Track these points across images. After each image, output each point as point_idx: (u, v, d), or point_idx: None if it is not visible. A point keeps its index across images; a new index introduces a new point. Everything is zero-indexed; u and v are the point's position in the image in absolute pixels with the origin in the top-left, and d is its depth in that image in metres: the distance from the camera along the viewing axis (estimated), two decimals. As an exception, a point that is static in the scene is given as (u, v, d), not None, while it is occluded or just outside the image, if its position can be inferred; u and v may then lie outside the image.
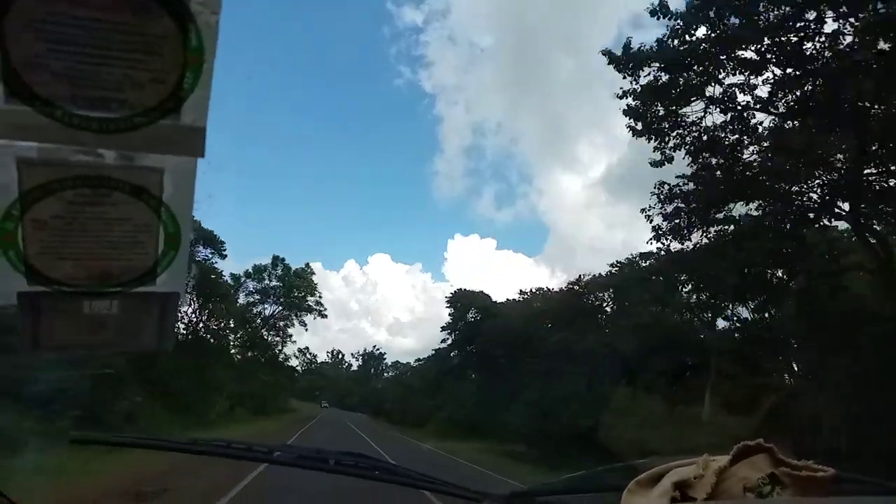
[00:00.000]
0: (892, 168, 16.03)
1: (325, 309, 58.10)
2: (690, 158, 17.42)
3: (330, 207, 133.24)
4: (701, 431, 18.02)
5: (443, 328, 49.89)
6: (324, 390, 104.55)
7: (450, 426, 40.12)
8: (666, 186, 18.41)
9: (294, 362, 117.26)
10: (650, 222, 18.83)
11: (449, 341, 49.79)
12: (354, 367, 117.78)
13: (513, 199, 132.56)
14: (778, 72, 15.10)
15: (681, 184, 18.26)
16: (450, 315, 48.46)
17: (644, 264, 31.61)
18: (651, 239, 19.15)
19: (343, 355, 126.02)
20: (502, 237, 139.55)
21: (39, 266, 0.76)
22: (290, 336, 61.39)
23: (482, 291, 48.69)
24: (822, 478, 1.11)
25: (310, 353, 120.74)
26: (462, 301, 47.68)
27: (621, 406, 22.70)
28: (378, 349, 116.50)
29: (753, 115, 16.36)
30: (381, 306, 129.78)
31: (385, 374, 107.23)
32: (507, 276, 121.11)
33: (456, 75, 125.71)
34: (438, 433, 38.51)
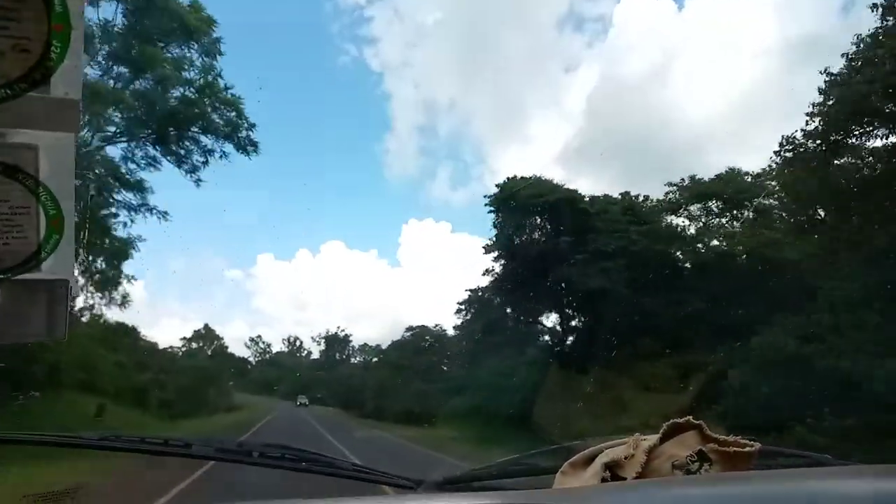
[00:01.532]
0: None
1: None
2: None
3: (278, 195, 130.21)
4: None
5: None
6: (280, 382, 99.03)
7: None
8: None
9: (246, 353, 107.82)
10: None
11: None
12: (315, 356, 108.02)
13: (468, 180, 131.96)
14: None
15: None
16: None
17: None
18: None
19: (301, 342, 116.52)
20: (458, 220, 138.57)
21: None
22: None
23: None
24: (748, 452, 1.17)
25: (263, 342, 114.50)
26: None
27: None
28: (343, 330, 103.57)
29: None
30: (337, 295, 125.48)
31: (352, 360, 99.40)
32: (464, 260, 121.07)
33: (404, 52, 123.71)
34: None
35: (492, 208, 34.88)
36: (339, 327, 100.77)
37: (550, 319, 36.62)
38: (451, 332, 51.50)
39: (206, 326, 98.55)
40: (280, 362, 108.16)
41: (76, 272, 0.84)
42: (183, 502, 8.95)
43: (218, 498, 8.74)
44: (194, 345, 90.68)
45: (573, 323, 35.32)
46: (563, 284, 31.64)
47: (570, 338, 35.66)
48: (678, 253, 32.77)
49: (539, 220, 34.56)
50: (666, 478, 1.16)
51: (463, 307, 40.46)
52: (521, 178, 35.05)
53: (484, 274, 36.89)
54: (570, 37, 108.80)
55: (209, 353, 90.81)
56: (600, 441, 1.40)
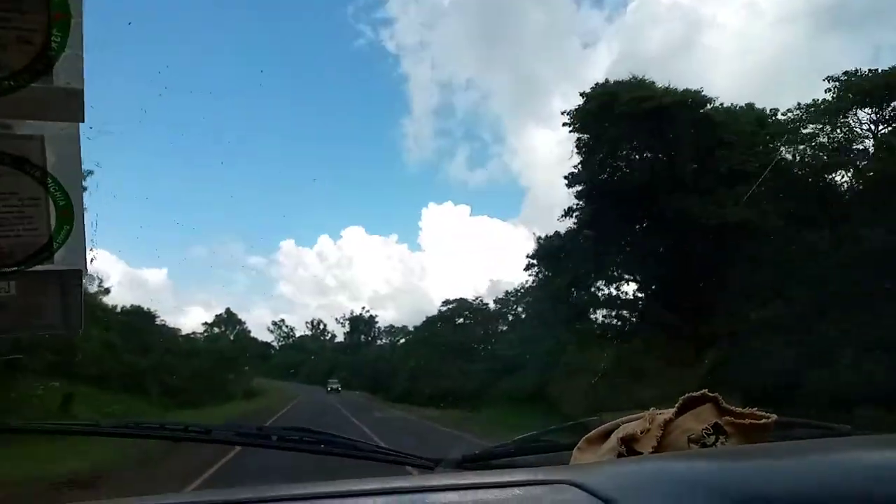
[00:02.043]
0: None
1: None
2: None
3: (299, 182, 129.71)
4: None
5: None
6: (303, 365, 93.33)
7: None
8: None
9: (269, 338, 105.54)
10: None
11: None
12: (339, 339, 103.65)
13: (486, 160, 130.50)
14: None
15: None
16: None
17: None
18: None
19: (325, 325, 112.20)
20: (477, 202, 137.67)
21: None
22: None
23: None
24: (764, 424, 1.16)
25: (286, 326, 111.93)
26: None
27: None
28: (367, 311, 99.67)
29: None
30: (358, 280, 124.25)
31: (378, 341, 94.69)
32: (484, 243, 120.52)
33: (420, 32, 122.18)
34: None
35: (574, 126, 26.52)
36: (364, 308, 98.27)
37: (655, 269, 26.98)
38: (492, 304, 50.45)
39: (228, 311, 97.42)
40: (304, 346, 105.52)
41: (88, 261, 0.84)
42: (204, 486, 9.05)
43: (235, 482, 8.86)
44: (216, 329, 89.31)
45: (691, 269, 24.96)
46: (679, 220, 23.16)
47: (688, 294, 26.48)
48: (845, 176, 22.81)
49: (643, 136, 25.44)
50: (681, 451, 1.16)
51: (532, 268, 33.63)
52: (616, 81, 26.04)
53: (565, 216, 28.65)
54: (589, 11, 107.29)
55: (231, 337, 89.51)
56: (616, 416, 1.39)
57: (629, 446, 1.22)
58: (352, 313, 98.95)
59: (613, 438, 1.27)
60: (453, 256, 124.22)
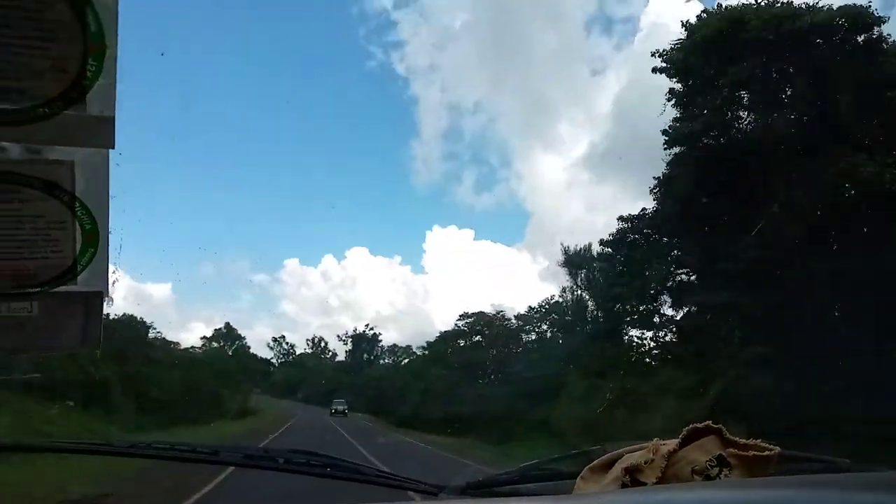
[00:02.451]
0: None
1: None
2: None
3: (305, 201, 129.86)
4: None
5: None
6: (303, 384, 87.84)
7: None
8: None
9: (269, 354, 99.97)
10: None
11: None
12: (341, 357, 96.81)
13: (493, 183, 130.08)
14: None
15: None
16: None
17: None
18: None
19: (326, 343, 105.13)
20: (481, 226, 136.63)
21: None
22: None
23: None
24: (767, 457, 1.15)
25: (286, 343, 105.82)
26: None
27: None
28: (371, 329, 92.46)
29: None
30: (361, 301, 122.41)
31: (382, 360, 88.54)
32: (486, 267, 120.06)
33: (430, 55, 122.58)
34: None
35: (670, 68, 19.82)
36: (367, 325, 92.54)
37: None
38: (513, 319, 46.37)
39: (228, 325, 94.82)
40: (304, 364, 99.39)
41: (110, 284, 0.85)
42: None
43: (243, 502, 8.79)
44: (215, 344, 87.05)
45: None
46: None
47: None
48: None
49: (781, 73, 18.07)
50: (686, 483, 1.15)
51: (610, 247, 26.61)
52: (728, 7, 18.76)
53: (658, 188, 21.66)
54: (598, 39, 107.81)
55: (230, 353, 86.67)
56: (619, 446, 1.39)
57: (633, 477, 1.22)
58: (355, 330, 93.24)
59: (617, 468, 1.26)
60: (456, 280, 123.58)
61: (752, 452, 1.17)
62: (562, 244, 36.86)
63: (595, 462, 1.38)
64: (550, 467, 1.67)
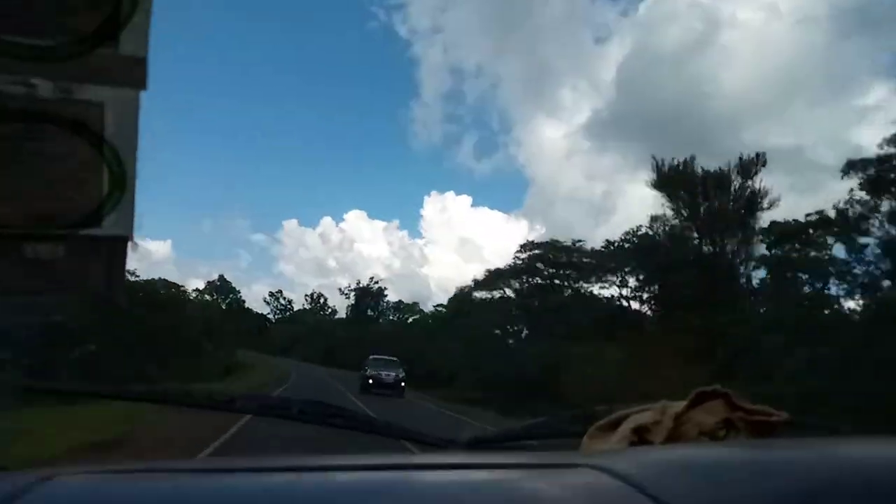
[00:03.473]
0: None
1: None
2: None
3: (304, 162, 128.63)
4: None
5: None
6: (300, 341, 78.33)
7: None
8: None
9: (265, 310, 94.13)
10: None
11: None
12: (341, 315, 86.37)
13: (493, 149, 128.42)
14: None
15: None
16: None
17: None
18: None
19: (325, 299, 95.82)
20: (479, 193, 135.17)
21: None
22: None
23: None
24: (775, 421, 1.14)
25: (283, 298, 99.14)
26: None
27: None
28: (377, 282, 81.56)
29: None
30: (358, 263, 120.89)
31: (388, 317, 79.54)
32: (483, 233, 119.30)
33: (433, 16, 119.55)
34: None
35: None
36: (371, 279, 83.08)
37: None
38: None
39: (222, 278, 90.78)
40: (302, 320, 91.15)
41: (135, 229, 0.83)
42: (225, 452, 9.07)
43: (257, 450, 8.89)
44: (207, 297, 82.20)
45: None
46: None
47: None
48: None
49: None
50: (692, 443, 1.15)
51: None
52: None
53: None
54: (603, 4, 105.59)
55: (223, 307, 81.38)
56: (626, 407, 1.38)
57: (641, 436, 1.21)
58: (358, 284, 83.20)
59: (625, 427, 1.26)
60: (453, 246, 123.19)
61: (758, 417, 1.16)
62: (653, 157, 30.33)
63: (602, 421, 1.37)
64: (557, 425, 1.67)
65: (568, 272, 37.59)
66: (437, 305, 66.25)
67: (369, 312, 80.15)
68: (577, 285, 36.73)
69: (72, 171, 0.73)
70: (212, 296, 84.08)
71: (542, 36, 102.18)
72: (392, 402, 24.29)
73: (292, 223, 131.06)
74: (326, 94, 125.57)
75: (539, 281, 39.14)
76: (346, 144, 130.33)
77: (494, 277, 42.61)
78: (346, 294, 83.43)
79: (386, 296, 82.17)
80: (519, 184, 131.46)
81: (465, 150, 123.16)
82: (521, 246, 40.76)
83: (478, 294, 45.89)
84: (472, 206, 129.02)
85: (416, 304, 78.22)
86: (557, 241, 38.65)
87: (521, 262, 40.19)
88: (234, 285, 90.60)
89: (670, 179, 29.45)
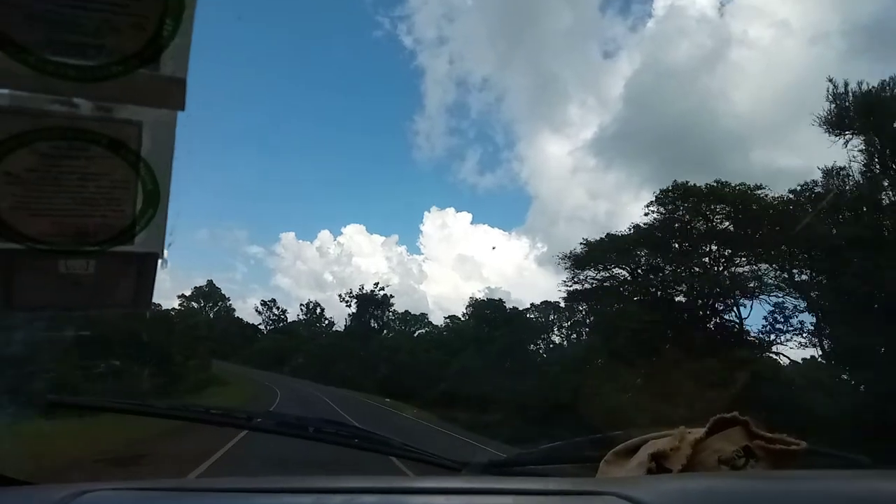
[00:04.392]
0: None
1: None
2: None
3: (304, 174, 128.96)
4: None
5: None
6: (294, 354, 69.23)
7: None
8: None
9: (257, 320, 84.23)
10: None
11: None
12: (339, 327, 76.42)
13: (496, 165, 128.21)
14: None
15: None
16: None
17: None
18: None
19: (322, 310, 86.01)
20: (480, 210, 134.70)
21: (12, 222, 0.74)
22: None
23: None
24: (794, 451, 1.13)
25: (277, 308, 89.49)
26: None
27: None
28: (382, 288, 70.64)
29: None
30: (356, 278, 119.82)
31: (394, 329, 69.39)
32: (483, 251, 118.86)
33: (439, 26, 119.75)
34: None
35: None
36: (376, 285, 71.45)
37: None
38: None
39: (210, 283, 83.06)
40: (296, 332, 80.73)
41: (166, 246, 0.84)
42: (236, 471, 9.05)
43: (268, 469, 8.84)
44: (194, 305, 77.35)
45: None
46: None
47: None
48: None
49: None
50: (711, 472, 1.13)
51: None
52: None
53: None
54: (613, 19, 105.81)
55: (211, 315, 76.33)
56: (644, 432, 1.36)
57: (658, 463, 1.19)
58: (361, 289, 70.66)
59: (643, 453, 1.24)
60: (451, 263, 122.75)
61: (778, 445, 1.14)
62: (829, 80, 21.99)
63: (620, 446, 1.35)
64: (573, 450, 1.65)
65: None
66: (449, 317, 61.33)
67: (372, 323, 69.70)
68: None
69: (107, 189, 0.73)
70: (199, 303, 79.01)
71: (549, 49, 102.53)
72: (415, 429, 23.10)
73: (290, 236, 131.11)
74: (328, 104, 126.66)
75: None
76: (346, 156, 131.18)
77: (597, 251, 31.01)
78: (347, 301, 71.71)
79: (392, 304, 71.07)
80: (521, 201, 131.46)
81: (468, 165, 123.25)
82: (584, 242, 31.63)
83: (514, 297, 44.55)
84: (473, 223, 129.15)
85: (423, 315, 71.23)
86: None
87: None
88: (219, 288, 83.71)
89: (870, 107, 20.04)
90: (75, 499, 0.69)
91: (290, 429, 1.79)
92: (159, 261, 0.90)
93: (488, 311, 47.11)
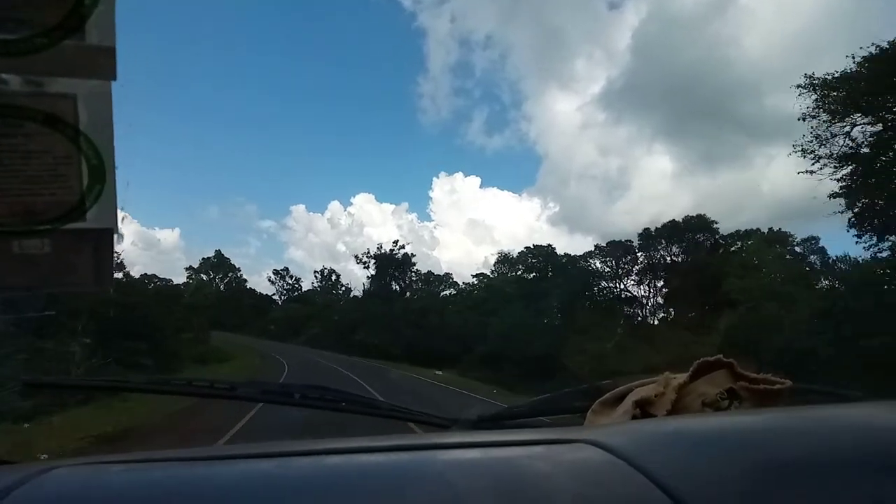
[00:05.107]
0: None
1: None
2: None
3: (311, 145, 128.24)
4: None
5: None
6: (309, 323, 64.90)
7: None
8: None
9: (270, 290, 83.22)
10: None
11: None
12: (357, 292, 70.69)
13: (504, 124, 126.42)
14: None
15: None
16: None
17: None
18: None
19: (338, 276, 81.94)
20: (489, 172, 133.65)
21: None
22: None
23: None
24: (778, 390, 1.15)
25: (290, 276, 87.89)
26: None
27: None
28: (402, 246, 64.26)
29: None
30: (368, 247, 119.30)
31: (417, 289, 64.36)
32: (494, 214, 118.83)
33: None
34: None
35: None
36: (396, 242, 66.05)
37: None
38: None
39: (219, 253, 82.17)
40: (310, 300, 78.12)
41: (119, 221, 0.83)
42: (230, 440, 9.18)
43: (258, 437, 8.99)
44: (203, 276, 77.06)
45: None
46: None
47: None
48: None
49: None
50: (695, 414, 1.15)
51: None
52: None
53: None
54: None
55: (221, 287, 76.27)
56: (629, 381, 1.39)
57: (644, 409, 1.22)
58: (379, 248, 64.64)
59: (628, 401, 1.26)
60: (462, 228, 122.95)
61: (762, 385, 1.17)
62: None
63: (606, 396, 1.38)
64: (561, 401, 1.69)
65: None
66: (477, 275, 56.62)
67: (394, 286, 64.28)
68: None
69: (50, 166, 0.73)
70: (207, 275, 78.44)
71: (553, 2, 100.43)
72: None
73: (300, 208, 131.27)
74: (331, 73, 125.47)
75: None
76: (352, 125, 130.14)
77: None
78: (365, 263, 65.36)
79: (414, 264, 65.16)
80: (531, 161, 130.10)
81: (474, 126, 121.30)
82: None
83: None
84: (482, 186, 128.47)
85: (448, 275, 66.02)
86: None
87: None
88: (228, 258, 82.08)
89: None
90: (44, 473, 0.70)
91: (275, 396, 1.81)
92: (115, 236, 0.89)
93: (535, 261, 44.89)
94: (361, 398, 1.85)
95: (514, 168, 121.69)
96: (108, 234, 0.87)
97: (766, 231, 37.63)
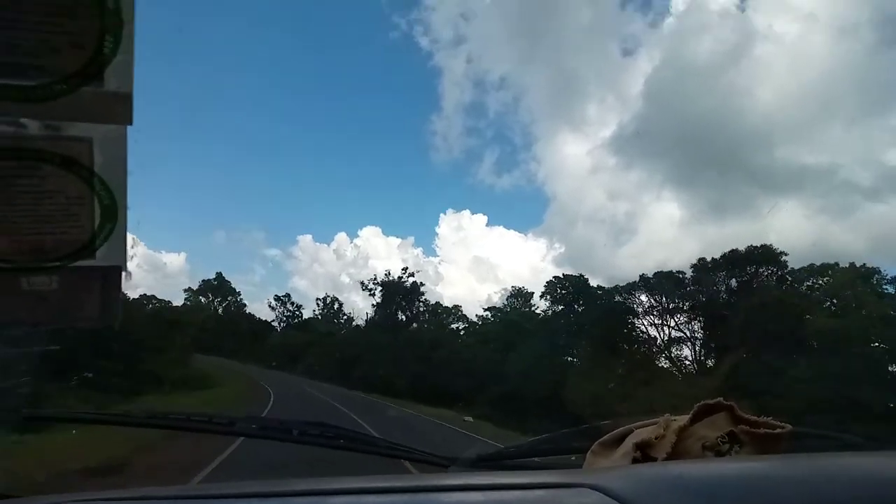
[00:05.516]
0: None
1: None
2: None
3: (320, 176, 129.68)
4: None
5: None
6: (308, 352, 61.61)
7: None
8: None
9: (270, 316, 79.70)
10: None
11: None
12: (359, 322, 67.61)
13: (513, 165, 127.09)
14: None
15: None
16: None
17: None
18: None
19: (340, 304, 79.20)
20: (496, 211, 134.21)
21: None
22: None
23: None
24: (779, 434, 1.15)
25: (291, 303, 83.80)
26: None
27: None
28: (411, 273, 60.82)
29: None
30: (375, 275, 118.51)
31: (424, 319, 60.62)
32: (499, 253, 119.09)
33: (456, 25, 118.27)
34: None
35: None
36: (405, 269, 63.57)
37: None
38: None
39: (219, 276, 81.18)
40: (312, 328, 73.94)
41: (129, 259, 0.85)
42: (224, 477, 9.08)
43: (256, 474, 8.87)
44: (202, 299, 75.97)
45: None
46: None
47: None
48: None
49: None
50: (695, 459, 1.15)
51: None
52: None
53: None
54: (632, 15, 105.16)
55: (220, 311, 75.14)
56: (629, 422, 1.39)
57: (643, 452, 1.22)
58: (387, 275, 60.81)
59: (628, 443, 1.27)
60: (467, 265, 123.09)
61: (763, 430, 1.17)
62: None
63: (605, 437, 1.38)
64: (561, 441, 1.68)
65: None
66: (489, 308, 55.15)
67: (400, 316, 60.32)
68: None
69: (64, 206, 0.75)
70: (206, 297, 77.30)
71: (567, 47, 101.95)
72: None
73: (307, 238, 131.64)
74: (345, 107, 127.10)
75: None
76: (363, 158, 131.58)
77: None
78: (371, 290, 61.28)
79: (423, 294, 61.13)
80: (539, 201, 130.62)
81: (485, 165, 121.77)
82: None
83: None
84: (489, 224, 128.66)
85: (457, 307, 62.82)
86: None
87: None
88: (228, 281, 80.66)
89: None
90: None
91: (273, 432, 1.81)
92: (123, 273, 0.92)
93: (564, 291, 42.42)
94: (360, 435, 1.85)
95: (522, 208, 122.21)
96: (116, 271, 0.89)
97: (846, 265, 36.41)
